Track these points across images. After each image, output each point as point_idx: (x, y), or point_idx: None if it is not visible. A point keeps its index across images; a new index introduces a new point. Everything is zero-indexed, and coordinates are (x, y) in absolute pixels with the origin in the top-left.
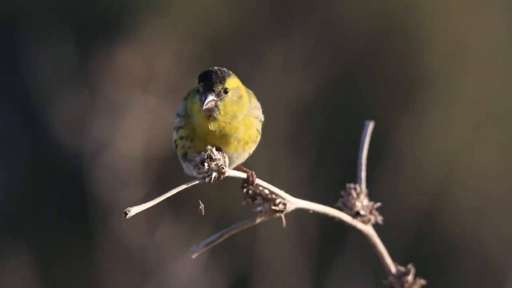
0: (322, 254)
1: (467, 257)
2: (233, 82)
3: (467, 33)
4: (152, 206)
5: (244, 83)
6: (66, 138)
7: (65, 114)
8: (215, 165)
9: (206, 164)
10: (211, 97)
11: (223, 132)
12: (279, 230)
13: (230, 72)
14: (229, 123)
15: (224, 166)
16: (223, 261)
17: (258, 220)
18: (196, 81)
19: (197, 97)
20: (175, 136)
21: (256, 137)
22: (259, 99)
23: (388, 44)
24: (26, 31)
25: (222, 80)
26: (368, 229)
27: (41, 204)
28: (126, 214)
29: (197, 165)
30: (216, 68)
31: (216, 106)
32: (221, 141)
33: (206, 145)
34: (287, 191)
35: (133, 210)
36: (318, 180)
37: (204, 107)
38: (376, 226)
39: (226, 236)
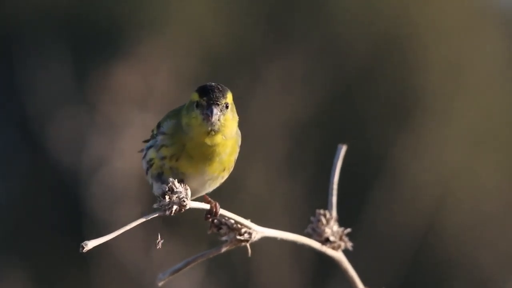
0: (317, 271)
1: (463, 274)
2: (230, 98)
3: (464, 53)
4: (149, 223)
5: (243, 101)
6: (63, 156)
7: (63, 131)
8: (176, 197)
9: (167, 197)
10: (216, 110)
11: (214, 149)
12: (275, 247)
13: (227, 88)
14: (224, 140)
15: (185, 199)
16: (220, 277)
17: (224, 249)
18: (195, 96)
19: (197, 111)
20: (151, 154)
21: (232, 166)
22: (257, 116)
23: (386, 63)
24: (24, 50)
25: (225, 94)
26: (339, 255)
27: (38, 220)
28: (83, 247)
29: (158, 198)
30: (214, 83)
31: (219, 120)
32: (207, 161)
33: (191, 166)
34: (284, 208)
35: (90, 244)
36: (316, 197)
37: (214, 118)
38: (373, 244)
39: (192, 264)
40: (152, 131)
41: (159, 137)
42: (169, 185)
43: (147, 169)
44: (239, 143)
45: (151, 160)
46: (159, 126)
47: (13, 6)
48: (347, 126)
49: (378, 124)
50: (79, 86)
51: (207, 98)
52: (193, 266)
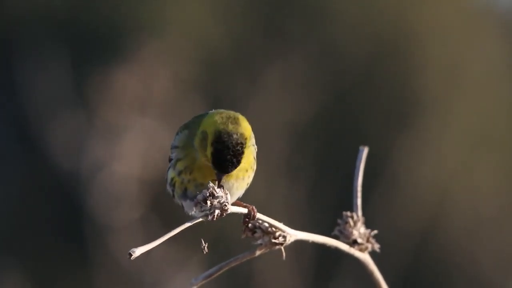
0: (319, 278)
1: (463, 278)
2: (248, 140)
3: (461, 57)
4: (146, 225)
5: (242, 104)
6: (62, 159)
7: (62, 135)
8: (217, 202)
9: (208, 202)
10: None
11: None
12: (277, 255)
13: (245, 139)
14: None
15: (226, 203)
16: (221, 283)
17: (258, 253)
18: (209, 148)
19: (209, 159)
20: (171, 174)
21: (254, 163)
22: (256, 120)
23: (384, 67)
24: (23, 53)
25: (239, 159)
26: (365, 257)
27: (37, 224)
28: (131, 255)
29: (199, 203)
30: (231, 152)
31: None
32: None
33: (206, 175)
34: (283, 212)
35: (138, 251)
36: (316, 200)
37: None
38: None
39: (225, 269)
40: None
41: (174, 153)
42: (209, 190)
43: (173, 191)
44: (253, 141)
45: (172, 180)
46: (172, 146)
47: (13, 8)
48: (345, 128)
49: (377, 126)
50: (79, 89)
51: (219, 171)
52: (193, 266)
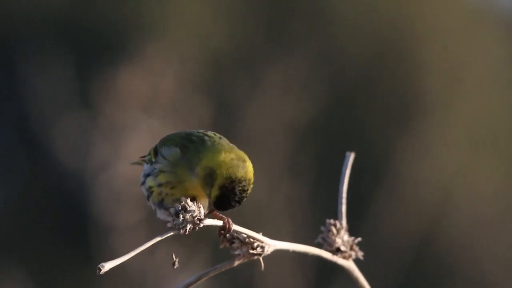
0: (319, 275)
1: (464, 279)
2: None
3: (462, 57)
4: (152, 228)
5: (244, 105)
6: (67, 159)
7: (66, 135)
8: (190, 216)
9: (181, 216)
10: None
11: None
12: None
13: (251, 184)
14: None
15: (199, 217)
16: (222, 284)
17: (237, 263)
18: (221, 186)
19: (214, 195)
20: (150, 182)
21: None
22: (258, 120)
23: (386, 68)
24: (27, 54)
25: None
26: (350, 264)
27: (41, 224)
28: (100, 269)
29: (172, 217)
30: (237, 198)
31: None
32: (203, 197)
33: (186, 195)
34: (285, 212)
35: (107, 266)
36: (317, 201)
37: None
38: (374, 249)
39: (204, 278)
40: (149, 154)
41: (158, 163)
42: (182, 204)
43: (148, 196)
44: None
45: (150, 188)
46: (156, 151)
47: (15, 10)
48: (347, 130)
49: (378, 127)
50: (83, 89)
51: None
52: (196, 268)
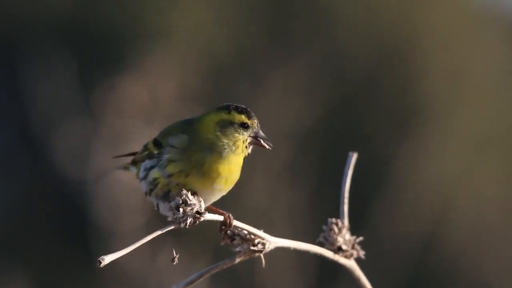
0: (321, 275)
1: (467, 282)
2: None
3: (465, 60)
4: (154, 230)
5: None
6: (68, 166)
7: (67, 142)
8: (190, 210)
9: (181, 210)
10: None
11: (234, 168)
12: (279, 259)
13: None
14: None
15: (200, 211)
16: (222, 284)
17: (238, 260)
18: (237, 117)
19: (244, 133)
20: (155, 174)
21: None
22: (260, 123)
23: (388, 71)
24: (29, 60)
25: None
26: (351, 264)
27: (42, 230)
28: (100, 262)
29: (172, 210)
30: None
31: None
32: (222, 178)
33: (200, 183)
34: (286, 215)
35: (107, 259)
36: (318, 204)
37: (268, 146)
38: (376, 248)
39: (206, 275)
40: (147, 149)
41: (166, 154)
42: (182, 197)
43: (151, 190)
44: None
45: (155, 180)
46: (158, 143)
47: (20, 16)
48: (349, 133)
49: (380, 131)
50: (84, 97)
51: (258, 122)
52: (198, 270)
